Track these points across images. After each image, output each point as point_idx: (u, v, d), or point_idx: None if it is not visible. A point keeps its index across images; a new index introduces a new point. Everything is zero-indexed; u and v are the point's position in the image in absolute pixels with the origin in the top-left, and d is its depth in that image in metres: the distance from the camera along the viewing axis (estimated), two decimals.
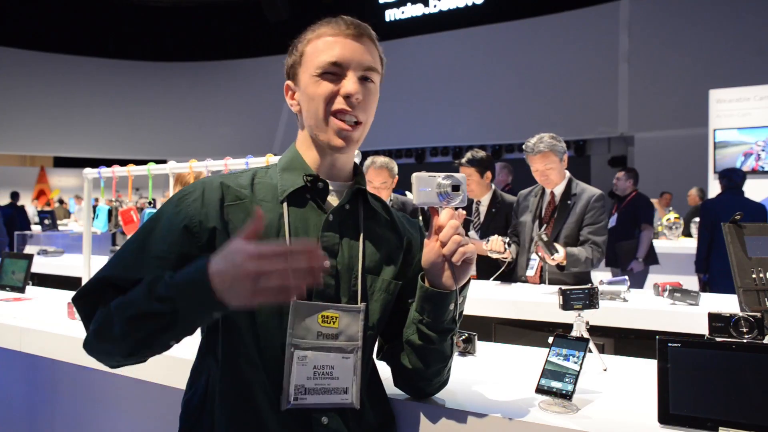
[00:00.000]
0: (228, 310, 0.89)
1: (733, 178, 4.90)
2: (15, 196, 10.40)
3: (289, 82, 1.13)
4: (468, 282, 1.10)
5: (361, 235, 1.10)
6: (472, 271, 1.08)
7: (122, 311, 0.94)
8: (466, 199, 1.06)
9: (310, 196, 1.08)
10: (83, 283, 2.78)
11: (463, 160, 3.42)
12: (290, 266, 0.81)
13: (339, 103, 1.04)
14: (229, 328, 1.03)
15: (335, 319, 1.04)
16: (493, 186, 3.48)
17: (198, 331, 1.01)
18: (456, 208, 1.06)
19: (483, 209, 3.43)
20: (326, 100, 1.04)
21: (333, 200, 1.11)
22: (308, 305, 1.02)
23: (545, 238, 2.68)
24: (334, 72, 1.05)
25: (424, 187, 1.05)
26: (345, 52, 1.05)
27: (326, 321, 1.03)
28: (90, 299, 1.02)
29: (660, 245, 6.07)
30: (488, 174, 3.40)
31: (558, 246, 2.71)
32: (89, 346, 1.01)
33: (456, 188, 1.05)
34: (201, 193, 1.05)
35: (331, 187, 1.11)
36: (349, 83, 1.04)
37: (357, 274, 1.07)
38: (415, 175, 1.05)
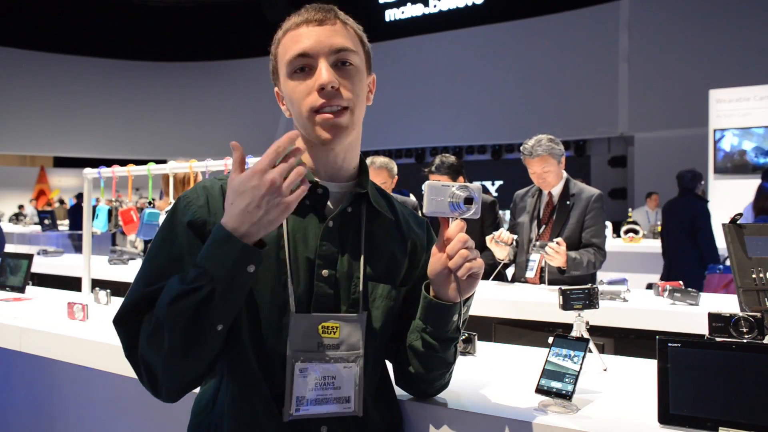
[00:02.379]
0: (259, 256, 0.89)
1: (681, 181, 5.04)
2: (80, 197, 10.61)
3: (276, 90, 1.09)
4: (473, 293, 1.07)
5: (362, 240, 1.06)
6: (478, 284, 1.04)
7: (161, 304, 0.91)
8: (479, 211, 1.01)
9: (309, 203, 1.04)
10: (84, 284, 2.80)
11: (432, 168, 3.32)
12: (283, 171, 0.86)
13: (316, 100, 0.98)
14: (232, 341, 1.00)
15: (336, 329, 1.01)
16: None
17: None
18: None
19: None
20: (304, 100, 0.99)
21: (335, 204, 1.06)
22: (307, 317, 1.00)
23: (540, 243, 2.70)
24: (304, 66, 1.00)
25: (436, 196, 1.00)
26: (309, 40, 0.99)
27: (326, 331, 1.01)
28: (134, 324, 0.97)
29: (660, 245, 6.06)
30: (461, 179, 3.35)
31: (558, 240, 2.72)
32: (150, 370, 0.95)
33: (469, 201, 1.00)
34: (206, 201, 1.01)
35: (332, 190, 1.06)
36: (320, 73, 0.98)
37: (358, 282, 1.04)
38: (427, 183, 1.01)
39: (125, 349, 0.98)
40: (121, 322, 0.98)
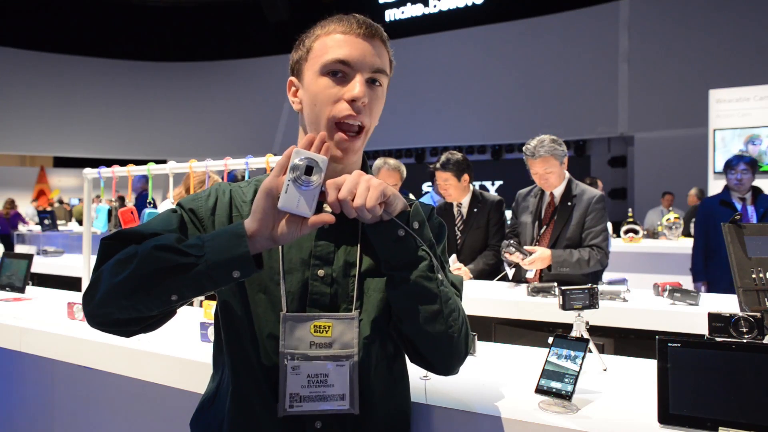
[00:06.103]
0: (248, 270, 0.89)
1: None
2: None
3: (292, 78, 1.08)
4: (408, 211, 0.97)
5: (359, 239, 1.07)
6: (391, 200, 0.94)
7: (148, 244, 0.92)
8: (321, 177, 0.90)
9: None
10: (83, 284, 2.80)
11: (438, 165, 3.36)
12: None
13: (344, 109, 0.99)
14: (234, 337, 1.04)
15: (328, 328, 1.03)
16: (472, 186, 3.45)
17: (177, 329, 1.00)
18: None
19: (464, 210, 3.42)
20: (330, 104, 1.00)
21: None
22: (299, 316, 1.02)
23: (514, 244, 2.76)
24: (340, 71, 1.00)
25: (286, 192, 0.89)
26: (354, 51, 1.00)
27: (318, 330, 1.02)
28: (116, 247, 0.98)
29: (660, 245, 6.08)
30: (465, 177, 3.36)
31: (531, 248, 2.77)
32: (96, 286, 0.95)
33: (309, 170, 0.89)
34: (214, 202, 1.08)
35: None
36: (356, 86, 0.99)
37: (354, 280, 1.05)
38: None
39: (96, 262, 1.00)
40: (107, 239, 1.01)
